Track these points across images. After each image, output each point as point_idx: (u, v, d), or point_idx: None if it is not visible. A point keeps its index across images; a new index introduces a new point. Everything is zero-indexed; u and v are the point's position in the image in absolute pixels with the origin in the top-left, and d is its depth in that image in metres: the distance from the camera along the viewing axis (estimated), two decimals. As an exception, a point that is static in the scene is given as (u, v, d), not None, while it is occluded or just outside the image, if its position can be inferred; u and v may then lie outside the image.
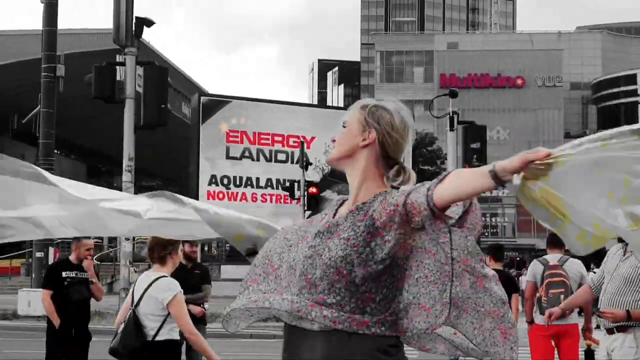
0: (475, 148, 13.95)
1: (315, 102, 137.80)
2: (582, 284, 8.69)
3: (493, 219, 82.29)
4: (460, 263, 2.72)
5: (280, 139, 41.14)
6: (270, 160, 40.95)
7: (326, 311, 2.75)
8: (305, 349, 2.81)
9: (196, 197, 32.65)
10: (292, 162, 39.39)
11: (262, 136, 40.85)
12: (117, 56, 13.89)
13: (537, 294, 9.16)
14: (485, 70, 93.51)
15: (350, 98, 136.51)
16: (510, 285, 10.10)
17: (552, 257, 9.30)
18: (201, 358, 7.88)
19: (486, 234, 74.69)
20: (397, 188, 2.93)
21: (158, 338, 6.23)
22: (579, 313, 9.38)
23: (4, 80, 42.63)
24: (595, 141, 2.56)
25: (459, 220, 2.74)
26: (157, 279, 6.31)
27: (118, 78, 12.45)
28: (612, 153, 2.55)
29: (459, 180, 2.64)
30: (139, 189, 14.46)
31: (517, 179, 2.58)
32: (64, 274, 9.35)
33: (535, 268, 9.36)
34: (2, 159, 3.64)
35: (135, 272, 28.66)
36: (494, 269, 9.65)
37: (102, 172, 74.54)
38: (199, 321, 9.08)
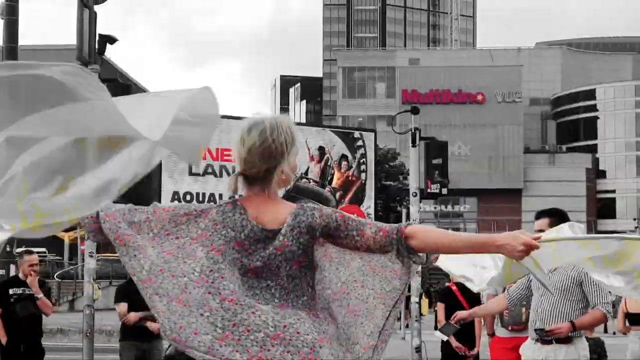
0: (437, 164, 14.09)
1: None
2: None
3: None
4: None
5: (243, 155, 41.21)
6: (233, 177, 40.97)
7: None
8: None
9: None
10: (254, 178, 39.43)
11: (225, 152, 40.72)
12: (78, 72, 13.72)
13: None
14: (446, 86, 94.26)
15: (313, 114, 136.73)
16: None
17: None
18: None
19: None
20: None
21: None
22: None
23: (-37, 97, 42.26)
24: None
25: None
26: None
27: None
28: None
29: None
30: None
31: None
32: (11, 291, 9.38)
33: None
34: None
35: (99, 289, 28.50)
36: (456, 283, 9.80)
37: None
38: (156, 337, 9.05)
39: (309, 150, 38.23)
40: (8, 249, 16.65)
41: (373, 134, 39.27)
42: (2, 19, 22.29)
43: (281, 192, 3.09)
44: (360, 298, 3.13)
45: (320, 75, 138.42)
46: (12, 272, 22.63)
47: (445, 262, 5.90)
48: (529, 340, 6.88)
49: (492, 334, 9.54)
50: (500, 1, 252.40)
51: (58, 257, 46.83)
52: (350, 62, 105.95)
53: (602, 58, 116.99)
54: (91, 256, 10.38)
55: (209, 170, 42.21)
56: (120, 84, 13.01)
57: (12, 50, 21.94)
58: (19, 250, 10.79)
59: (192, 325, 2.91)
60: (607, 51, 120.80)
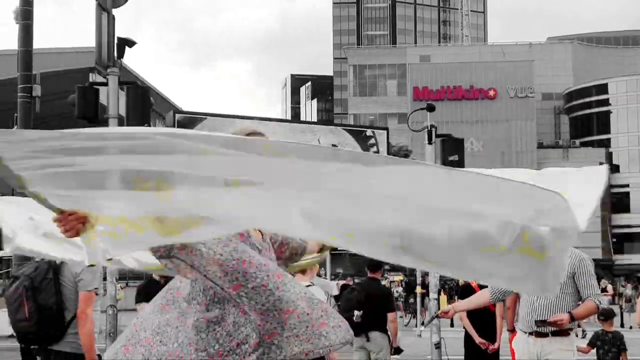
0: (453, 160, 14.16)
1: (289, 117, 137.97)
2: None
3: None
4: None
5: (256, 154, 41.17)
6: (246, 176, 40.97)
7: None
8: None
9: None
10: (268, 178, 39.42)
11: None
12: (90, 74, 13.90)
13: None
14: (457, 82, 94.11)
15: (324, 112, 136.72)
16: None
17: None
18: None
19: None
20: None
21: None
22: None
23: (-22, 101, 42.53)
24: None
25: None
26: (306, 287, 6.83)
27: (100, 98, 12.56)
28: None
29: None
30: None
31: None
32: None
33: None
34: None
35: (122, 288, 28.55)
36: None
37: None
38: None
39: (322, 148, 38.49)
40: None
41: (385, 131, 39.46)
42: (17, 22, 22.45)
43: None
44: None
45: (331, 73, 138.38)
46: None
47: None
48: (520, 334, 6.95)
49: (512, 330, 9.60)
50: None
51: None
52: (361, 60, 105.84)
53: (613, 52, 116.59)
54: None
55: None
56: (140, 87, 13.11)
57: (27, 53, 22.09)
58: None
59: None
60: (618, 45, 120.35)
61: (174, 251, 3.07)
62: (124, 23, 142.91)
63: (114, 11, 13.12)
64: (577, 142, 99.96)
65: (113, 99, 11.96)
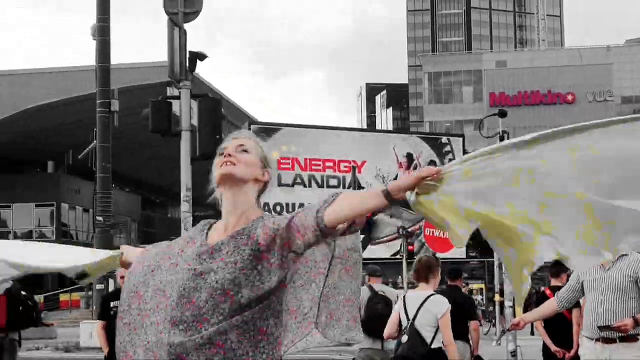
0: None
1: (365, 126, 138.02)
2: None
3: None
4: (338, 258, 3.03)
5: (331, 164, 41.17)
6: (322, 186, 40.97)
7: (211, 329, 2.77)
8: None
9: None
10: (343, 187, 39.39)
11: (313, 162, 40.94)
12: (168, 88, 14.17)
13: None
14: (535, 87, 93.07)
15: (399, 121, 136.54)
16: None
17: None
18: None
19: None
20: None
21: (432, 346, 7.27)
22: None
23: (59, 117, 43.55)
24: (479, 155, 2.67)
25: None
26: (429, 296, 7.38)
27: (173, 111, 12.79)
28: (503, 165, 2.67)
29: (351, 201, 2.79)
30: (194, 219, 14.85)
31: (411, 196, 2.71)
32: (111, 304, 9.58)
33: None
34: None
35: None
36: (554, 286, 9.77)
37: (156, 204, 75.37)
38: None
39: (397, 157, 38.32)
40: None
41: (461, 138, 39.25)
42: (94, 39, 22.97)
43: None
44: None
45: (406, 81, 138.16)
46: (111, 286, 23.34)
47: None
48: (586, 341, 6.86)
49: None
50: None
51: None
52: (436, 67, 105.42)
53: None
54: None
55: (298, 180, 42.62)
56: (212, 99, 13.30)
57: (104, 69, 22.59)
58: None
59: None
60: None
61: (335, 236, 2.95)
62: (199, 34, 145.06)
63: (186, 25, 13.36)
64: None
65: (185, 111, 12.15)
